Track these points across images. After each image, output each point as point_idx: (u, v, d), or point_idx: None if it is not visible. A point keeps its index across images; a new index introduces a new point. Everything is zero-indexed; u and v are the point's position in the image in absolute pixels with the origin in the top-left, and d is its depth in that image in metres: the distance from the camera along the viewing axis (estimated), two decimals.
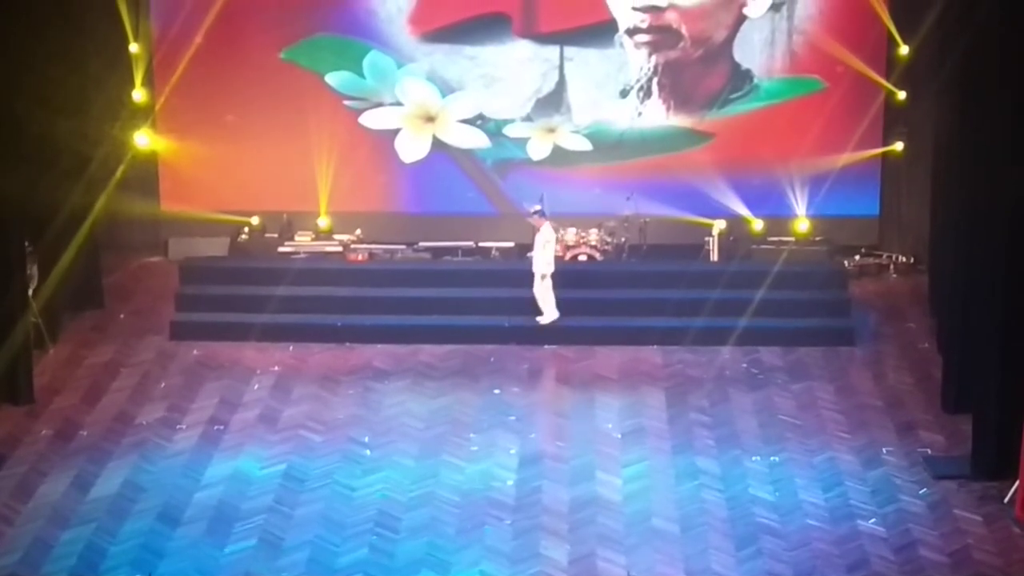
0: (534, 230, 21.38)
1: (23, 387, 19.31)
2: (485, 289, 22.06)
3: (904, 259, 24.17)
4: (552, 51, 23.87)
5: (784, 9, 23.56)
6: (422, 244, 23.79)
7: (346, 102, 23.78)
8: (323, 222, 24.01)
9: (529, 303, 21.44)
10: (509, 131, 23.66)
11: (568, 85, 23.92)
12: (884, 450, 18.02)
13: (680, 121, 23.87)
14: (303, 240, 23.72)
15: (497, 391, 20.07)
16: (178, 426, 18.75)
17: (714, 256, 23.31)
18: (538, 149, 23.78)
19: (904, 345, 21.39)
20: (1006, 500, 16.55)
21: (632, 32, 23.68)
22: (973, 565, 15.54)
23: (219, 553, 15.76)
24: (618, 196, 23.57)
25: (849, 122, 23.39)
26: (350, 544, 15.93)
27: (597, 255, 22.95)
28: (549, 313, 21.37)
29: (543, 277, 21.26)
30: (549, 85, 23.96)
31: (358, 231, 23.81)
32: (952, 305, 19.43)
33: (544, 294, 21.32)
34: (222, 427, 18.72)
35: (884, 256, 24.25)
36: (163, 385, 20.03)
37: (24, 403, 19.20)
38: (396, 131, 24.02)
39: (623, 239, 23.40)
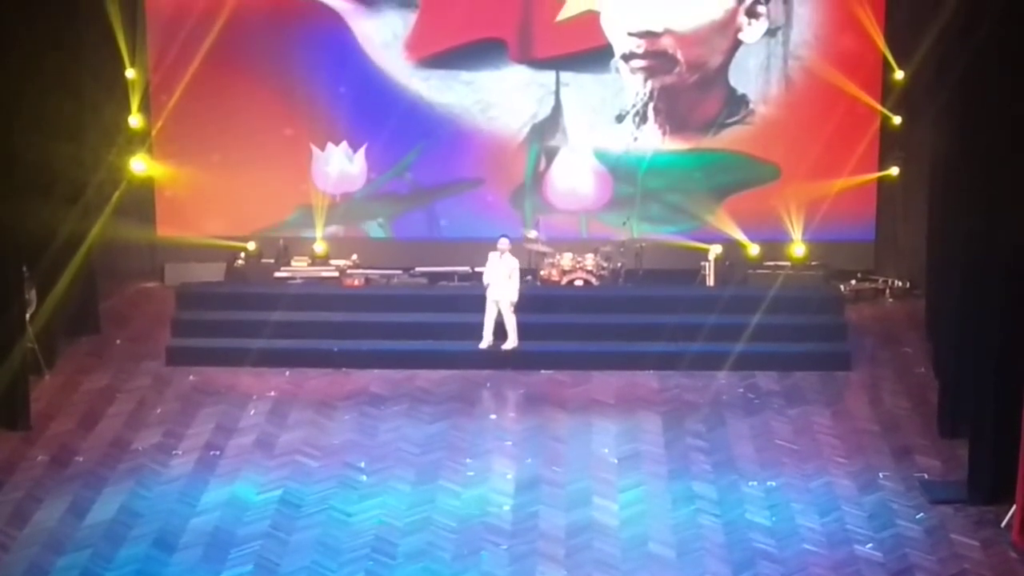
0: (499, 256, 21.25)
1: (20, 413, 19.28)
2: (481, 314, 21.99)
3: (900, 284, 24.19)
4: (548, 76, 23.93)
5: (779, 35, 23.63)
6: (418, 269, 23.80)
7: None
8: (319, 247, 24.04)
9: (527, 328, 21.48)
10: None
11: (564, 110, 23.98)
12: (881, 475, 18.01)
13: (677, 145, 23.96)
14: (299, 265, 23.74)
15: (493, 416, 20.07)
16: (174, 452, 18.73)
17: (710, 281, 23.32)
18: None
19: (900, 370, 21.39)
20: (1003, 524, 16.53)
21: (628, 57, 23.74)
22: None
23: None
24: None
25: (845, 147, 23.43)
26: (346, 570, 15.90)
27: (593, 280, 22.96)
28: (513, 338, 21.42)
29: (512, 304, 21.25)
30: (545, 110, 24.02)
31: (354, 256, 23.83)
32: (948, 330, 19.44)
33: (511, 320, 21.32)
34: (218, 453, 18.69)
35: (880, 281, 24.27)
36: (159, 411, 20.01)
37: (20, 429, 19.17)
38: None
39: (619, 264, 23.41)
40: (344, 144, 24.11)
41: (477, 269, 23.58)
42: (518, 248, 22.52)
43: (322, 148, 24.10)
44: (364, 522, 16.92)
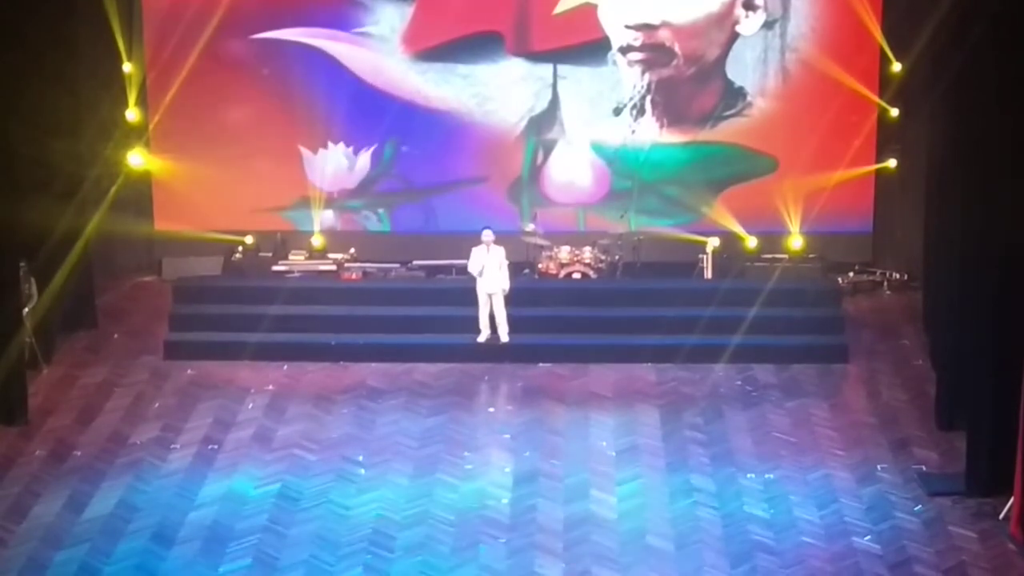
0: (485, 248, 21.24)
1: (17, 407, 19.29)
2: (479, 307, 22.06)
3: (898, 276, 24.19)
4: (545, 69, 23.90)
5: (776, 27, 23.61)
6: (416, 263, 23.79)
7: None
8: (317, 241, 24.02)
9: (526, 321, 21.50)
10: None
11: (561, 103, 23.97)
12: (879, 467, 18.02)
13: (674, 138, 23.95)
14: (297, 259, 23.73)
15: (491, 409, 20.08)
16: (172, 446, 18.73)
17: (708, 274, 23.32)
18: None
19: (898, 362, 21.39)
20: (1001, 517, 16.55)
21: (625, 50, 23.72)
22: None
23: (213, 573, 15.74)
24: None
25: (842, 139, 23.42)
26: (345, 563, 15.91)
27: (591, 273, 22.95)
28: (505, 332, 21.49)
29: (505, 293, 21.30)
30: (542, 103, 24.00)
31: (352, 250, 23.82)
32: (946, 322, 19.46)
33: (504, 312, 21.36)
34: (216, 447, 18.69)
35: (878, 273, 24.26)
36: (157, 405, 20.01)
37: (18, 423, 19.17)
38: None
39: (617, 257, 23.40)
40: (342, 144, 24.09)
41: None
42: (514, 241, 22.51)
43: (314, 148, 24.06)
44: (362, 516, 16.92)
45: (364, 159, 24.13)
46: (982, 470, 17.06)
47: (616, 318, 22.10)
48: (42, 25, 20.78)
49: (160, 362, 21.40)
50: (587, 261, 23.00)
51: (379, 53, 23.83)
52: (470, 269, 21.35)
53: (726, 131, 23.94)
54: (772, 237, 23.70)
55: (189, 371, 21.06)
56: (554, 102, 23.99)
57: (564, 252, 23.03)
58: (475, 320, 21.46)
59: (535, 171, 24.26)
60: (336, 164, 24.18)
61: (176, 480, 17.77)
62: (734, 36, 23.65)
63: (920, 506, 17.03)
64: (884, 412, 19.71)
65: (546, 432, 19.21)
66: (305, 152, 24.07)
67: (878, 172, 23.93)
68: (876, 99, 23.38)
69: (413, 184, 24.32)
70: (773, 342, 21.50)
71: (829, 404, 20.01)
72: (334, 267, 23.55)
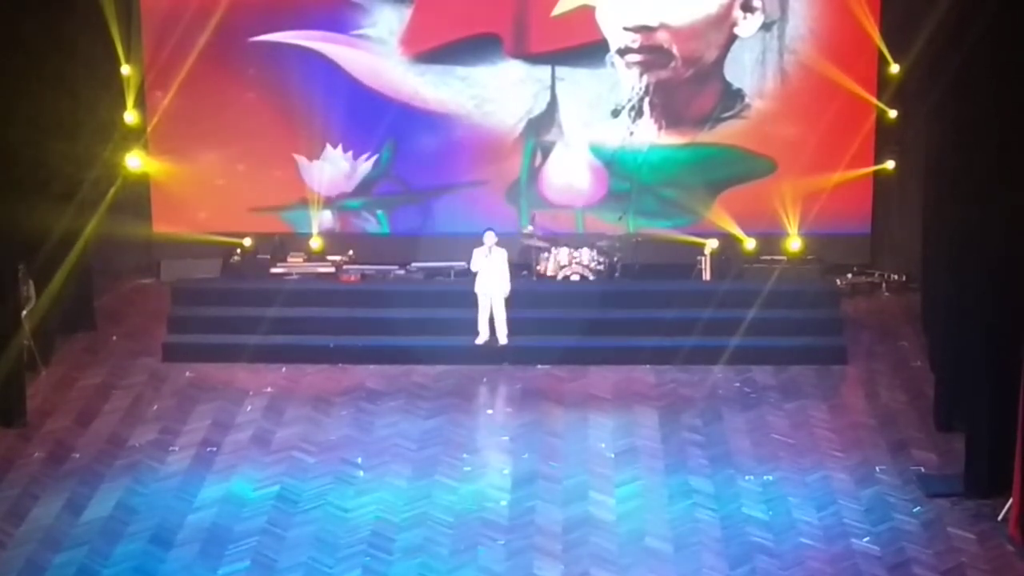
0: (487, 250, 21.24)
1: (16, 409, 19.28)
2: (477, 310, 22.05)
3: (896, 277, 24.20)
4: (544, 71, 23.90)
5: (775, 29, 23.61)
6: (415, 265, 23.79)
7: None
8: (315, 243, 24.02)
9: (524, 323, 21.50)
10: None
11: (560, 105, 23.97)
12: (877, 468, 18.02)
13: (672, 140, 23.95)
14: (295, 261, 23.72)
15: (490, 411, 20.08)
16: (171, 448, 18.72)
17: (706, 275, 23.31)
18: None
19: (897, 363, 21.40)
20: (1000, 518, 16.55)
21: (623, 52, 23.73)
22: None
23: (212, 575, 15.74)
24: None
25: (841, 141, 23.42)
26: (343, 565, 15.91)
27: (589, 275, 22.95)
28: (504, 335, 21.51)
29: (505, 296, 21.30)
30: (541, 105, 24.00)
31: (350, 252, 23.82)
32: (944, 323, 19.46)
33: (503, 315, 21.37)
34: (215, 449, 18.69)
35: (876, 274, 24.27)
36: (155, 407, 20.00)
37: (17, 425, 19.17)
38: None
39: (615, 259, 23.40)
40: (340, 149, 24.09)
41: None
42: (513, 242, 22.51)
43: (310, 153, 24.04)
44: (361, 518, 16.93)
45: (362, 163, 24.13)
46: (981, 471, 17.07)
47: (615, 320, 22.10)
48: (41, 27, 20.76)
49: (159, 364, 21.40)
50: (585, 263, 23.00)
51: (377, 55, 23.85)
52: (472, 268, 21.36)
53: (724, 133, 23.95)
54: (770, 239, 23.70)
55: (188, 373, 21.06)
56: (552, 104, 23.99)
57: (563, 254, 23.04)
58: (474, 322, 21.46)
59: (533, 173, 24.25)
60: (334, 168, 24.16)
61: (175, 482, 17.76)
62: (732, 38, 23.66)
63: (919, 507, 17.04)
64: (883, 413, 19.72)
65: (545, 434, 19.21)
66: (301, 160, 24.06)
67: (876, 174, 23.93)
68: (874, 101, 23.39)
69: (412, 186, 24.34)
70: (772, 344, 21.51)
71: (828, 406, 20.01)
72: (333, 269, 23.55)
